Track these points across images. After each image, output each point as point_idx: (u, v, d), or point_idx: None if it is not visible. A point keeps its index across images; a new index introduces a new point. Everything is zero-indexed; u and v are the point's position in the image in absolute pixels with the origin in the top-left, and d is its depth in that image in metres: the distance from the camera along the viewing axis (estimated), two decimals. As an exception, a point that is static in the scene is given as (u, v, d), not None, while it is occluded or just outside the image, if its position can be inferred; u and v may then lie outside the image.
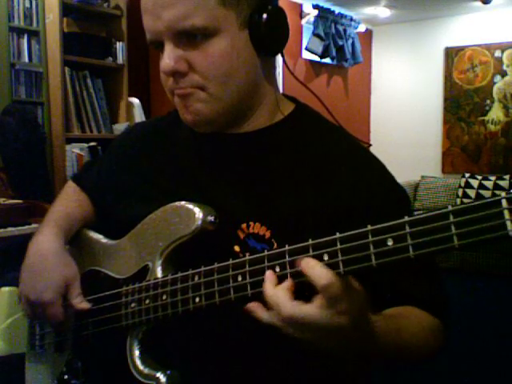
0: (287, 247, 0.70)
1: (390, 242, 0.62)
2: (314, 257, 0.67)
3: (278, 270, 0.71)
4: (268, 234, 0.85)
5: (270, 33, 0.85)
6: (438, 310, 0.88)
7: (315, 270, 0.65)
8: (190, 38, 0.83)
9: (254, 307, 0.71)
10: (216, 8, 0.82)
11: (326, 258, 0.66)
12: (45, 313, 0.94)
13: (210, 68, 0.84)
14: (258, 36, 0.85)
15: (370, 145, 1.12)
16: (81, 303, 0.94)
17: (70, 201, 1.10)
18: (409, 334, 0.81)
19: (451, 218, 0.58)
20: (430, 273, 0.89)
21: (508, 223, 0.55)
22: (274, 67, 0.94)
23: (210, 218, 0.85)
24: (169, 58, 0.84)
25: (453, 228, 0.58)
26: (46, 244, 0.98)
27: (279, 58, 0.94)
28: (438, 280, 0.90)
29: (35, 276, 0.95)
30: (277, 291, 0.68)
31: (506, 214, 0.55)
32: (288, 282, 0.69)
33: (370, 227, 0.64)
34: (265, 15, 0.85)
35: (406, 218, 0.62)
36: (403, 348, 0.81)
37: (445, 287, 0.91)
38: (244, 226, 0.86)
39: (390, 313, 0.81)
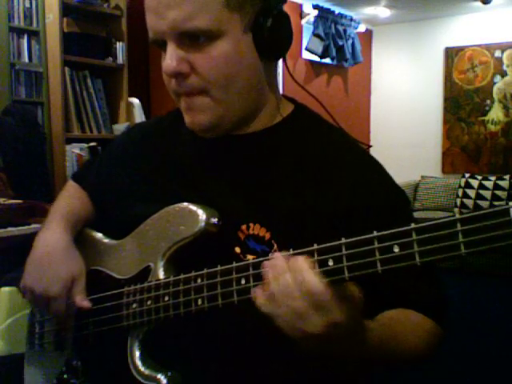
0: (291, 251, 0.70)
1: (396, 249, 0.62)
2: (318, 261, 0.67)
3: None
4: (268, 236, 0.85)
5: (273, 37, 0.85)
6: (435, 312, 0.88)
7: (301, 273, 0.66)
8: (193, 39, 0.83)
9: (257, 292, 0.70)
10: (220, 11, 0.81)
11: (330, 263, 0.66)
12: (49, 307, 0.94)
13: (212, 71, 0.84)
14: (262, 40, 0.85)
15: (371, 146, 1.11)
16: (82, 301, 0.94)
17: (72, 198, 1.10)
18: (403, 341, 0.81)
19: (458, 226, 0.58)
20: (429, 274, 0.89)
21: None
22: (275, 70, 0.94)
23: (213, 220, 0.85)
24: (171, 58, 0.83)
25: (460, 236, 0.58)
26: (54, 237, 0.97)
27: (280, 59, 0.94)
28: (437, 281, 0.90)
29: (42, 269, 0.94)
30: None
31: None
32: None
33: (375, 233, 0.64)
34: (269, 20, 0.84)
35: (413, 225, 0.62)
36: (397, 354, 0.81)
37: (443, 288, 0.91)
38: (244, 227, 0.86)
39: (385, 320, 0.81)
